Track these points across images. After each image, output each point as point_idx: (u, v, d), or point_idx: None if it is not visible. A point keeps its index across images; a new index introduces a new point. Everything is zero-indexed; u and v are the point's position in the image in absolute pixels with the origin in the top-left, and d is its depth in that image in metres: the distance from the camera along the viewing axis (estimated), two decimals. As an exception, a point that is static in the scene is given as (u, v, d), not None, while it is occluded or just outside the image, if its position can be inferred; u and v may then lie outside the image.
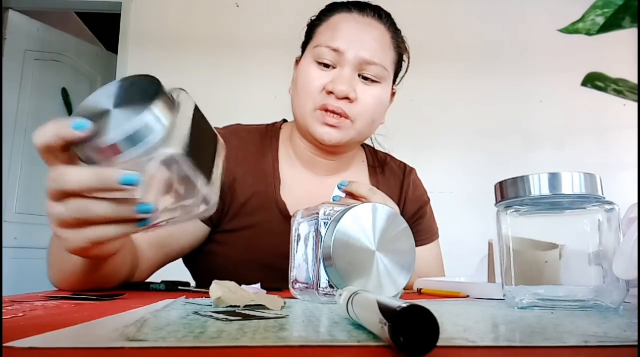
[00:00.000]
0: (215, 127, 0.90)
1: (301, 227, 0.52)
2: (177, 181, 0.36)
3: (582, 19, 0.30)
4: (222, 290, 0.39)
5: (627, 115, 2.46)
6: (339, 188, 0.67)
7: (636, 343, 0.23)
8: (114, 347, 0.22)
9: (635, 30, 0.28)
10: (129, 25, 2.58)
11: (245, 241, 0.76)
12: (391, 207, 0.46)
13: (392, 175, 0.88)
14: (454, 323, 0.30)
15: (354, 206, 0.45)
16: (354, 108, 0.72)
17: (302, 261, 0.50)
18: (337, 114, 0.71)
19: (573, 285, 0.42)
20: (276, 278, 0.66)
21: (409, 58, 0.83)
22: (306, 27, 0.81)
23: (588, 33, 0.30)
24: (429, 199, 0.92)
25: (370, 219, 0.45)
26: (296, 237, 0.52)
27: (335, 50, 0.72)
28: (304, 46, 0.80)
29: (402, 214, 0.82)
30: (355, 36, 0.73)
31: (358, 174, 0.85)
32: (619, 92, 0.31)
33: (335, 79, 0.71)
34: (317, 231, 0.46)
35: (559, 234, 0.44)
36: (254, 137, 0.82)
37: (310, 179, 0.81)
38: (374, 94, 0.74)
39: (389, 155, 0.92)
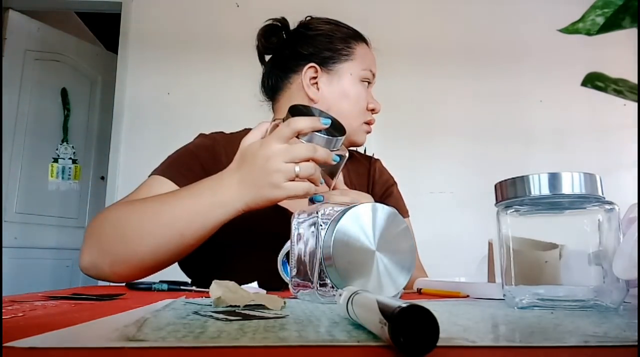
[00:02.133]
0: (201, 134, 0.92)
1: (301, 227, 0.52)
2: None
3: (582, 19, 0.30)
4: (222, 290, 0.39)
5: (627, 115, 2.46)
6: (313, 202, 0.67)
7: (636, 343, 0.23)
8: (114, 347, 0.22)
9: (635, 30, 0.28)
10: (129, 25, 2.58)
11: (237, 231, 0.78)
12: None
13: (359, 164, 1.02)
14: (454, 323, 0.30)
15: (354, 205, 0.45)
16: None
17: (302, 261, 0.50)
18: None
19: (573, 285, 0.42)
20: (266, 263, 0.69)
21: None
22: (323, 38, 0.90)
23: (588, 33, 0.30)
24: (395, 183, 1.04)
25: (370, 219, 0.45)
26: (296, 237, 0.52)
27: (374, 75, 0.92)
28: (329, 59, 0.89)
29: (372, 195, 0.91)
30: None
31: (351, 166, 0.99)
32: (619, 92, 0.31)
33: (372, 99, 0.91)
34: (317, 231, 0.46)
35: (559, 234, 0.44)
36: (238, 139, 0.87)
37: None
38: None
39: (356, 151, 1.05)
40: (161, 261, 0.69)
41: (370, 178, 0.99)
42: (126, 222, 0.68)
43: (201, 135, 0.90)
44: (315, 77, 0.88)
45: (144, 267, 0.69)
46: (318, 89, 0.88)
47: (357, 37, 0.93)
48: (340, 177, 0.92)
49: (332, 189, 0.73)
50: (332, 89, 0.89)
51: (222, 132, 0.92)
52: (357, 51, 0.91)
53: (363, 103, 0.89)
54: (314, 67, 0.88)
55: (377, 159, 1.05)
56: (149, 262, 0.68)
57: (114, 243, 0.68)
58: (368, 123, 0.91)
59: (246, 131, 0.90)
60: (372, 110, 0.91)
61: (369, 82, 0.91)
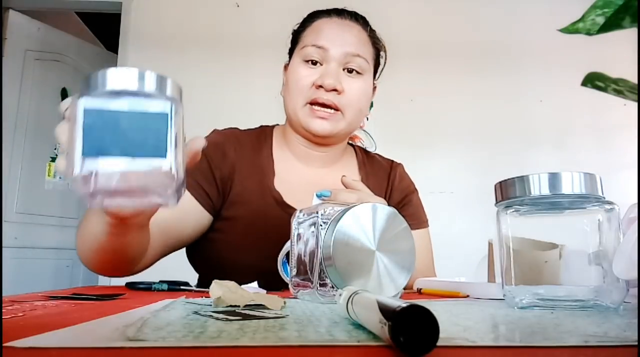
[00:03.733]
0: (215, 129, 0.91)
1: (301, 227, 0.52)
2: None
3: (582, 19, 0.30)
4: (222, 290, 0.39)
5: (627, 115, 2.46)
6: (318, 197, 0.66)
7: (636, 343, 0.23)
8: (114, 347, 0.22)
9: (635, 30, 0.28)
10: (129, 25, 2.58)
11: (243, 227, 0.81)
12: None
13: (380, 168, 0.94)
14: (454, 323, 0.30)
15: (354, 205, 0.45)
16: (342, 99, 0.79)
17: (302, 260, 0.50)
18: (327, 106, 0.79)
19: (573, 285, 0.42)
20: (271, 257, 0.70)
21: (385, 54, 0.90)
22: (291, 36, 0.88)
23: (588, 33, 0.30)
24: (416, 190, 0.96)
25: (370, 219, 0.44)
26: (296, 237, 0.52)
27: (320, 47, 0.79)
28: (291, 52, 0.87)
29: (389, 202, 0.87)
30: (337, 34, 0.81)
31: (348, 167, 0.91)
32: (619, 92, 0.31)
33: (323, 74, 0.78)
34: (317, 230, 0.46)
35: (559, 234, 0.44)
36: (250, 137, 0.89)
37: (304, 170, 0.87)
38: (359, 86, 0.81)
39: (378, 154, 0.99)
40: (110, 269, 0.66)
41: (390, 184, 0.92)
42: (80, 227, 0.62)
43: (215, 131, 0.89)
44: (286, 75, 0.87)
45: (106, 271, 0.67)
46: (284, 86, 0.86)
47: (316, 14, 0.86)
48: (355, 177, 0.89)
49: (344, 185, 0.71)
50: (285, 79, 0.85)
51: (237, 128, 0.90)
52: (307, 31, 0.84)
53: (304, 82, 0.79)
54: (285, 66, 0.88)
55: (399, 164, 0.98)
56: (99, 270, 0.66)
57: (78, 245, 0.64)
58: (314, 102, 0.79)
59: (262, 129, 0.92)
60: (320, 87, 0.78)
61: (313, 62, 0.80)
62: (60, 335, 0.25)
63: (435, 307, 0.39)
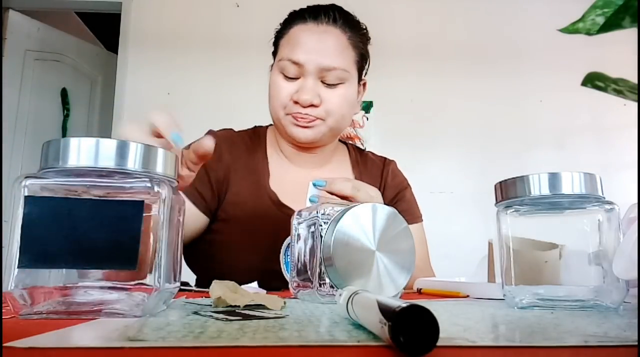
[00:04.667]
0: (210, 130, 0.91)
1: (301, 227, 0.52)
2: None
3: (582, 19, 0.30)
4: (222, 290, 0.39)
5: (627, 115, 2.46)
6: (314, 186, 0.66)
7: (636, 343, 0.23)
8: (114, 347, 0.22)
9: (635, 30, 0.28)
10: (129, 25, 2.58)
11: (240, 227, 0.81)
12: (377, 201, 0.46)
13: (373, 166, 0.95)
14: (454, 323, 0.30)
15: (354, 205, 0.45)
16: (322, 111, 0.79)
17: (302, 261, 0.50)
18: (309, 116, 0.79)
19: (573, 285, 0.42)
20: (269, 257, 0.72)
21: (368, 55, 0.88)
22: (273, 38, 0.87)
23: (588, 33, 0.30)
24: (409, 185, 0.97)
25: (370, 219, 0.44)
26: (296, 237, 0.52)
27: (296, 63, 0.78)
28: (274, 54, 0.87)
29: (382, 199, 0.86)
30: (313, 47, 0.79)
31: (341, 166, 0.92)
32: (619, 92, 0.31)
33: (300, 89, 0.78)
34: (317, 230, 0.46)
35: (559, 234, 0.44)
36: (244, 138, 0.90)
37: (297, 171, 0.88)
38: (339, 94, 0.80)
39: (371, 152, 1.00)
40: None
41: (383, 180, 0.93)
42: None
43: (210, 131, 0.89)
44: None
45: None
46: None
47: (293, 18, 0.83)
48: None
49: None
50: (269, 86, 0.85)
51: (231, 129, 0.91)
52: (283, 39, 0.83)
53: (282, 95, 0.79)
54: (271, 65, 0.87)
55: (392, 161, 0.98)
56: None
57: None
58: (294, 116, 0.79)
59: (255, 130, 0.93)
60: (297, 102, 0.79)
61: (290, 77, 0.79)
62: (60, 335, 0.25)
63: (435, 307, 0.39)
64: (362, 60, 0.86)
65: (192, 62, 2.54)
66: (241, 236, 0.81)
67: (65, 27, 3.15)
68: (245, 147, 0.88)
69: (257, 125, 0.95)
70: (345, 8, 0.86)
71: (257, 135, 0.91)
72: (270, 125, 0.93)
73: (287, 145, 0.87)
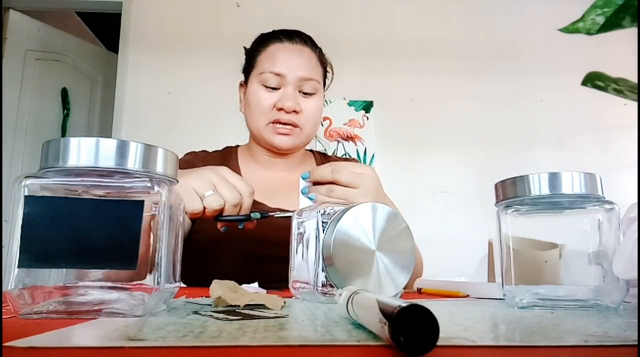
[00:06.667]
0: (191, 152, 1.00)
1: (301, 227, 0.52)
2: None
3: (582, 19, 0.30)
4: (222, 290, 0.39)
5: (628, 115, 2.46)
6: (303, 179, 0.70)
7: (636, 343, 0.23)
8: (114, 347, 0.22)
9: (635, 30, 0.28)
10: (129, 25, 2.58)
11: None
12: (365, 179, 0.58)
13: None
14: (454, 323, 0.30)
15: (354, 205, 0.45)
16: (301, 118, 0.90)
17: (302, 260, 0.50)
18: (289, 124, 0.89)
19: (573, 285, 0.42)
20: (249, 253, 0.81)
21: (332, 69, 1.01)
22: (245, 56, 0.98)
23: (588, 33, 0.30)
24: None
25: (370, 219, 0.45)
26: (296, 237, 0.52)
27: (278, 74, 0.89)
28: (246, 71, 0.97)
29: None
30: (291, 61, 0.90)
31: (308, 168, 0.97)
32: (619, 92, 0.31)
33: (282, 97, 0.89)
34: (317, 230, 0.46)
35: (559, 234, 0.44)
36: (217, 156, 0.99)
37: (269, 173, 0.97)
38: (313, 104, 0.92)
39: (336, 156, 1.10)
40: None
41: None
42: None
43: (187, 153, 0.99)
44: (244, 93, 0.96)
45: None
46: (242, 103, 0.97)
47: (268, 38, 0.94)
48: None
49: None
50: (246, 100, 0.95)
51: (206, 150, 1.01)
52: (262, 56, 0.92)
53: (265, 104, 0.89)
54: (241, 83, 0.98)
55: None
56: None
57: None
58: (276, 122, 0.89)
59: (227, 149, 1.02)
60: (281, 109, 0.88)
61: (272, 87, 0.89)
62: (60, 335, 0.25)
63: (435, 307, 0.39)
64: (325, 77, 0.99)
65: (192, 62, 2.54)
66: (218, 231, 0.83)
67: (66, 27, 3.15)
68: (218, 161, 0.95)
69: (228, 146, 1.04)
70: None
71: (229, 153, 1.01)
72: (239, 146, 1.03)
73: (262, 154, 0.96)
